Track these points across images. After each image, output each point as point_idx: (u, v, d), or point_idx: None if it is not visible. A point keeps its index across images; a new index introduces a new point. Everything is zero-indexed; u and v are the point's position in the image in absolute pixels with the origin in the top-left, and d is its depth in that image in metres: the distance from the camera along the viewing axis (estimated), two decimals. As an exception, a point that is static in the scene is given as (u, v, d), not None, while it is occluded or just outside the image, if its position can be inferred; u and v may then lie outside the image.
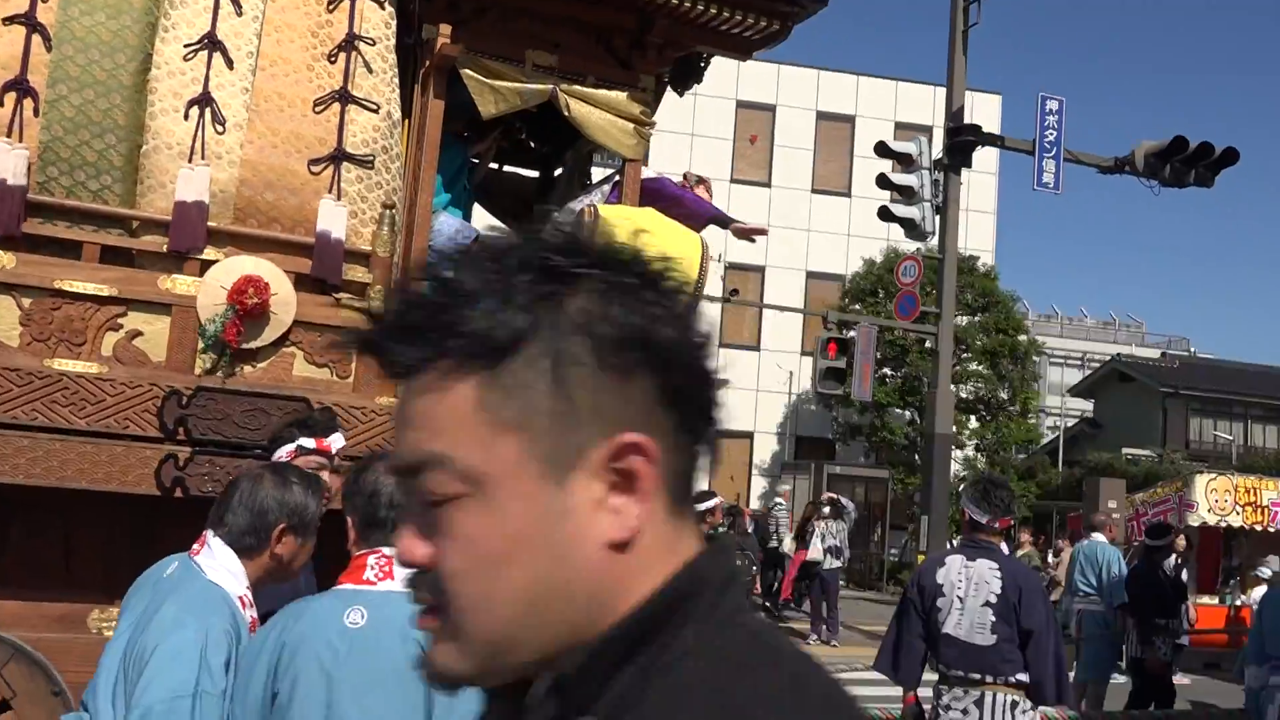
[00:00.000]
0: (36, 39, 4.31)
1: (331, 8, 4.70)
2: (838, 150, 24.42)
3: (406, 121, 5.08)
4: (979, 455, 19.57)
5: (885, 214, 11.72)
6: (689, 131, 24.09)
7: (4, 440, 4.09)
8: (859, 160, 24.70)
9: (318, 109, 4.60)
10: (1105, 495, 11.84)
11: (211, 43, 4.50)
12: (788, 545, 14.09)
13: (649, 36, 5.24)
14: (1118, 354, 36.05)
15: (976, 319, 19.54)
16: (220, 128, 4.47)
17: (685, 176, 6.14)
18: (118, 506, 4.35)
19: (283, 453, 3.18)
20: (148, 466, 4.25)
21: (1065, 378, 42.61)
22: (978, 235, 25.36)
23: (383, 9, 4.78)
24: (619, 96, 5.18)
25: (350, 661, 1.91)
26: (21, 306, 4.24)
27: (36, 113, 4.29)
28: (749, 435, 23.59)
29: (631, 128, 5.23)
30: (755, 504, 22.88)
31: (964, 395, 19.56)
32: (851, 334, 13.56)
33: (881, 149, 11.94)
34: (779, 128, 24.71)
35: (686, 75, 6.53)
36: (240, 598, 2.29)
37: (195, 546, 2.42)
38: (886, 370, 19.59)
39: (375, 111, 4.70)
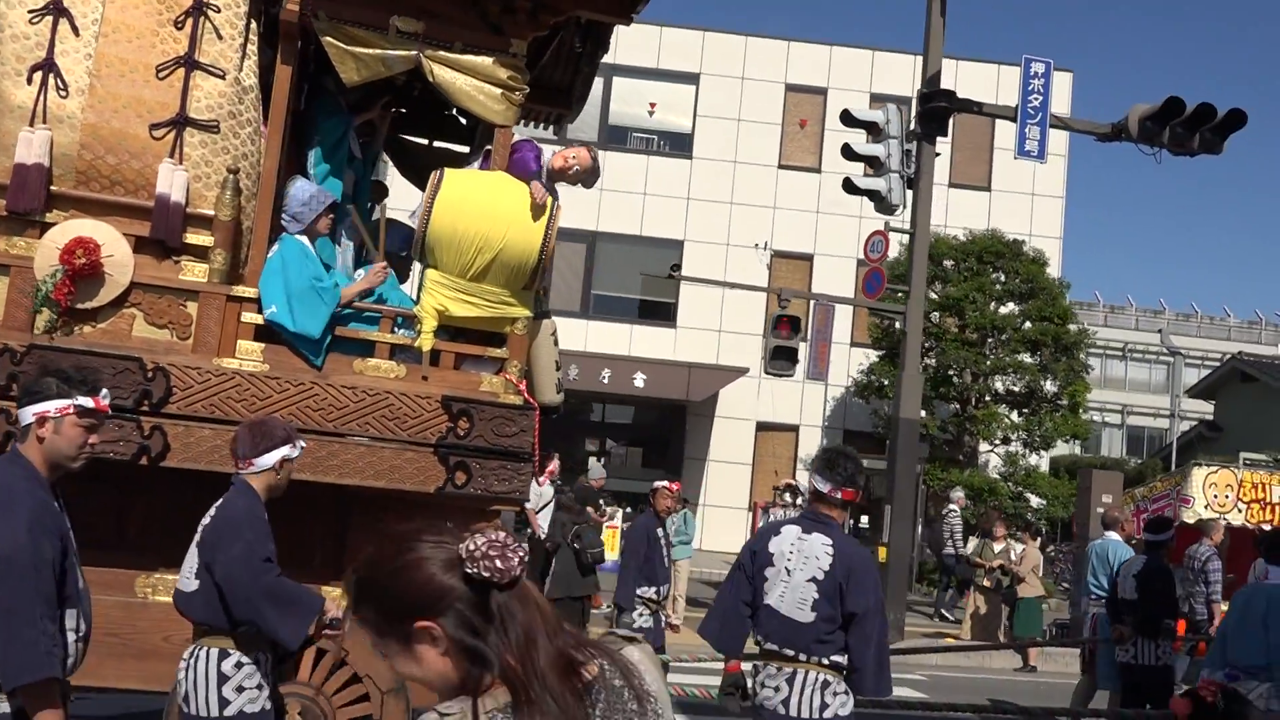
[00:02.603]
0: (-116, 8, 4.48)
1: (181, -26, 4.76)
2: (891, 137, 23.92)
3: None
4: (1028, 451, 18.92)
5: (850, 186, 11.40)
6: (735, 117, 23.85)
7: None
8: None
9: (161, 74, 4.67)
10: (1098, 489, 11.26)
11: (57, 9, 4.61)
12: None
13: (518, 1, 5.18)
14: (1238, 352, 33.48)
15: (1017, 307, 18.90)
16: (63, 92, 4.58)
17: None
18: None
19: (53, 408, 3.05)
20: (-20, 421, 4.39)
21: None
22: (1044, 221, 24.52)
23: (233, -25, 4.83)
24: (485, 62, 5.13)
25: None
26: None
27: (-118, 79, 4.45)
28: (794, 429, 23.29)
29: (499, 93, 5.17)
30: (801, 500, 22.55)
31: (1010, 388, 18.94)
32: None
33: (847, 118, 11.62)
34: (830, 111, 24.27)
35: (595, 44, 6.46)
36: None
37: None
38: (928, 361, 19.12)
39: (222, 78, 4.75)
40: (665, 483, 8.79)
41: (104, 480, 4.77)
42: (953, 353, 18.30)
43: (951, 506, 14.92)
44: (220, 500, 3.78)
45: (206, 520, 3.73)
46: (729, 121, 23.93)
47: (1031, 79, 10.69)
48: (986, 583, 11.96)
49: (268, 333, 4.73)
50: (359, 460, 4.71)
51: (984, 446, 19.79)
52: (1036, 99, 10.61)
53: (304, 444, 3.83)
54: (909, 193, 11.16)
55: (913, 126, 11.17)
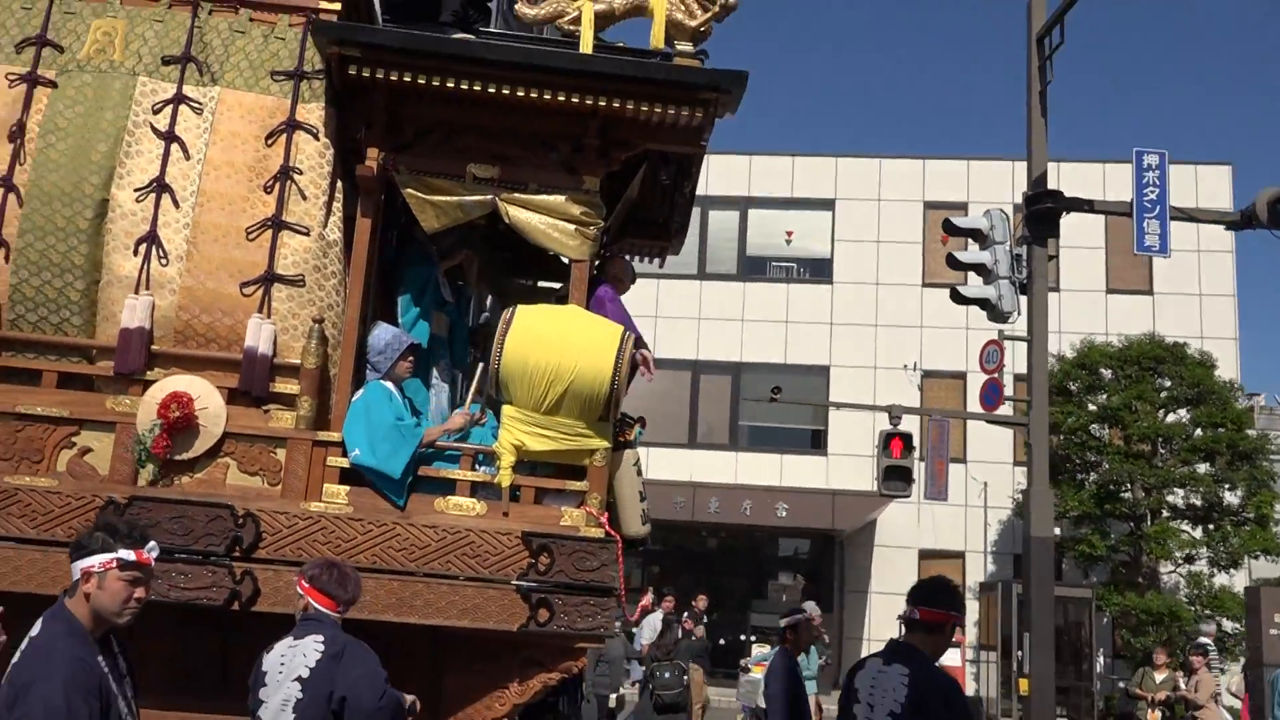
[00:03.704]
0: (11, 197, 4.95)
1: (270, 143, 5.10)
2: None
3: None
4: (1214, 570, 17.34)
5: (956, 296, 11.05)
6: (875, 239, 23.71)
7: (-36, 551, 4.57)
8: (1066, 252, 23.30)
9: (251, 236, 4.97)
10: (1269, 609, 10.11)
11: (160, 186, 4.99)
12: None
13: (586, 139, 5.32)
14: None
15: (1186, 414, 17.66)
16: (164, 260, 4.91)
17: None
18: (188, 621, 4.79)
19: (96, 563, 3.04)
20: (85, 573, 4.60)
21: None
22: (1215, 322, 23.14)
23: (317, 140, 5.15)
24: (557, 200, 5.26)
25: None
26: (-10, 431, 4.76)
27: (7, 259, 4.89)
28: (960, 555, 22.18)
29: (573, 229, 5.28)
30: (971, 631, 21.27)
31: (1189, 502, 17.54)
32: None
33: (948, 226, 11.35)
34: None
35: (683, 175, 6.56)
36: None
37: None
38: (1093, 475, 17.99)
39: (306, 234, 5.02)
40: (806, 614, 8.44)
41: (208, 625, 4.92)
42: (1116, 466, 17.19)
43: (1204, 640, 13.27)
44: (320, 635, 3.93)
45: (307, 655, 3.87)
46: (868, 244, 23.82)
47: (1146, 171, 10.28)
48: (1152, 716, 10.86)
49: (352, 475, 4.84)
50: (441, 600, 4.69)
51: (1167, 567, 18.33)
52: (1153, 192, 10.16)
53: None
54: (1023, 299, 10.79)
55: (1020, 231, 10.87)
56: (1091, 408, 18.01)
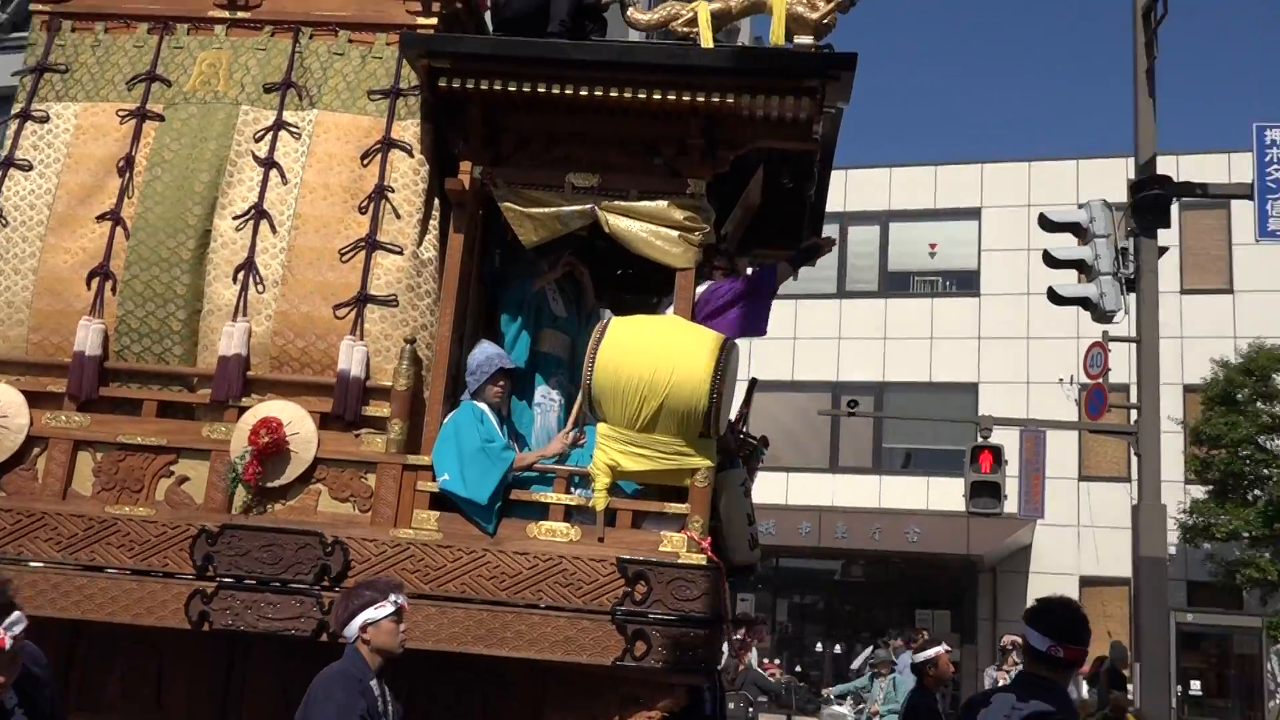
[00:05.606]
0: (119, 230, 5.00)
1: (365, 163, 5.01)
2: (1209, 241, 21.60)
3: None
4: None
5: (1054, 296, 10.27)
6: (1025, 247, 22.54)
7: (67, 579, 4.59)
8: (1241, 250, 21.68)
9: (344, 257, 4.87)
10: None
11: (259, 213, 4.96)
12: None
13: (689, 140, 5.04)
14: None
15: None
16: (260, 287, 4.87)
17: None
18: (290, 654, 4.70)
19: None
20: (179, 602, 4.55)
21: None
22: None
23: (411, 157, 5.03)
24: (659, 206, 4.97)
25: None
26: (94, 460, 4.80)
27: (114, 291, 4.93)
28: (1126, 583, 20.70)
29: (676, 235, 4.99)
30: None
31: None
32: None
33: (1044, 222, 10.54)
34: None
35: (802, 177, 6.20)
36: None
37: None
38: (1258, 491, 16.53)
39: (399, 254, 4.89)
40: (943, 647, 7.92)
41: (307, 658, 4.79)
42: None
43: None
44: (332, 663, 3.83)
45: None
46: (1018, 252, 22.68)
47: (1268, 149, 9.32)
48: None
49: (443, 501, 4.66)
50: (533, 631, 4.45)
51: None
52: (1277, 171, 9.19)
53: (399, 600, 3.81)
54: (1131, 297, 10.00)
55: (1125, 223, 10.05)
56: (1264, 418, 16.62)
